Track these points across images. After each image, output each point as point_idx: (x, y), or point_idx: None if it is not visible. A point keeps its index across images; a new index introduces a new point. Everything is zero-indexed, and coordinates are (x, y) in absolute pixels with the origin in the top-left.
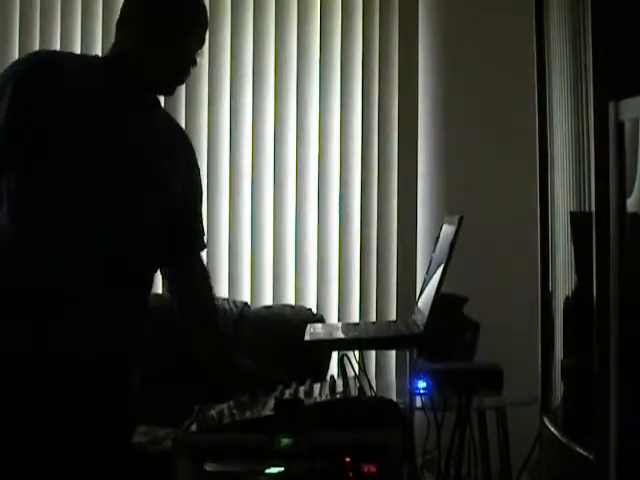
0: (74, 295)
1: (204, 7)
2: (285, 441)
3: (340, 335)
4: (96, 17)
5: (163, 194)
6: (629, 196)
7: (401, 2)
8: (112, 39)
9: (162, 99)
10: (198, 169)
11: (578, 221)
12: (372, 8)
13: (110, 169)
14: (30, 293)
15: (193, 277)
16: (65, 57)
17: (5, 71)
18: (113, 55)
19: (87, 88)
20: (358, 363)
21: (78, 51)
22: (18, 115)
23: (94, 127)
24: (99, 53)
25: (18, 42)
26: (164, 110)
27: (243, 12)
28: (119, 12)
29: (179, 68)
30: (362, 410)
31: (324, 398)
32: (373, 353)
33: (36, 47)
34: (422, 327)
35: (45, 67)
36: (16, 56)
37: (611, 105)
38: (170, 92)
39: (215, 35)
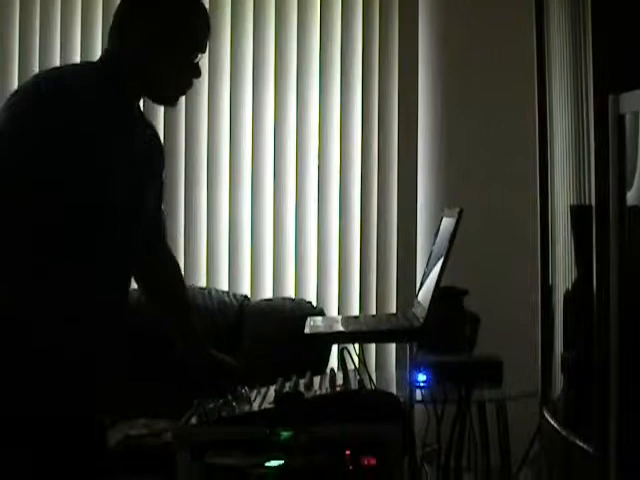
0: (104, 302)
1: (206, 14)
2: (285, 434)
3: (340, 328)
4: (96, 17)
5: (154, 196)
6: (629, 189)
7: (401, 1)
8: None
9: None
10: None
11: (578, 214)
12: (372, 8)
13: (123, 181)
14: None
15: (162, 261)
16: (67, 77)
17: (17, 100)
18: (110, 65)
19: (94, 109)
20: (358, 356)
21: (78, 49)
22: (45, 142)
23: (107, 145)
24: (99, 50)
25: (18, 42)
26: (140, 111)
27: (243, 12)
28: (113, 18)
29: (182, 80)
30: (362, 403)
31: (324, 391)
32: (373, 346)
33: (36, 47)
34: (422, 320)
35: (57, 94)
36: (16, 56)
37: (611, 98)
38: (173, 103)
39: (215, 35)
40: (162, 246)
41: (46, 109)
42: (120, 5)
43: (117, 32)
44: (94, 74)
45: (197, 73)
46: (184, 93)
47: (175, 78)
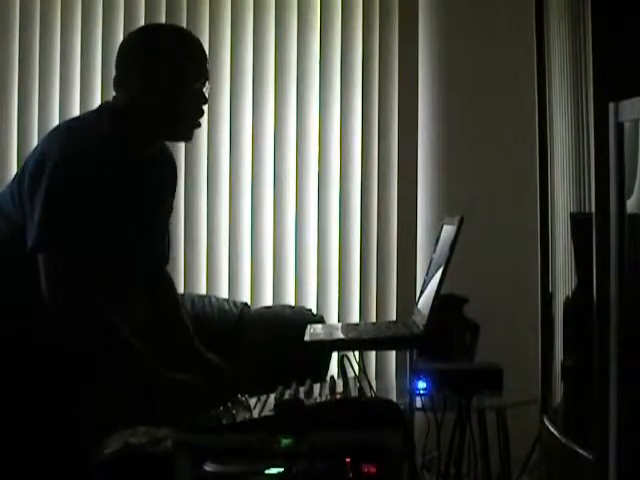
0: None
1: (198, 42)
2: (285, 441)
3: (340, 336)
4: (96, 18)
5: (162, 224)
6: (629, 197)
7: (401, 2)
8: (111, 40)
9: None
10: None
11: (578, 222)
12: (372, 8)
13: (135, 230)
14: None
15: (161, 281)
16: (82, 150)
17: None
18: (115, 117)
19: (112, 175)
20: (358, 364)
21: (78, 52)
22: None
23: (122, 203)
24: (99, 53)
25: (18, 41)
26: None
27: (243, 12)
28: (116, 70)
29: (190, 112)
30: (362, 411)
31: (324, 399)
32: (373, 354)
33: (36, 47)
34: (422, 328)
35: (79, 173)
36: (16, 56)
37: (611, 106)
38: (189, 138)
39: (215, 36)
40: (161, 273)
41: (79, 184)
42: (117, 56)
43: (117, 82)
44: (103, 133)
45: (203, 100)
46: (198, 125)
47: (181, 113)
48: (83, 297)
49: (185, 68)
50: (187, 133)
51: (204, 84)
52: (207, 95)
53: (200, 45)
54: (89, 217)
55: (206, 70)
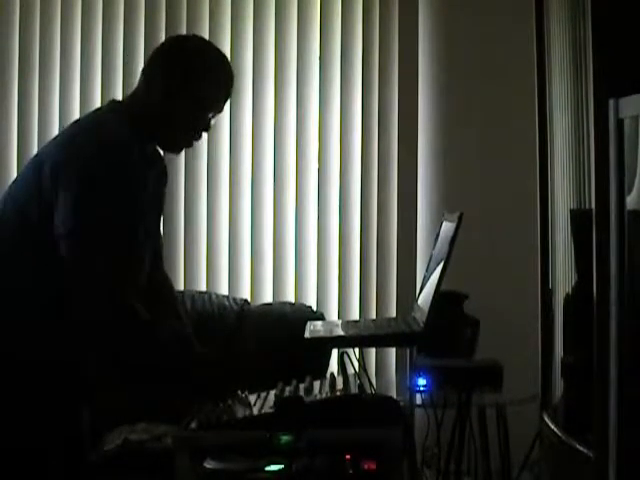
0: None
1: (231, 78)
2: (285, 438)
3: (340, 332)
4: (96, 14)
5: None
6: (629, 193)
7: (401, 3)
8: (111, 39)
9: None
10: None
11: (578, 218)
12: (372, 3)
13: (151, 224)
14: None
15: (157, 285)
16: (110, 150)
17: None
18: (133, 114)
19: (137, 175)
20: (358, 360)
21: (78, 50)
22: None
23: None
24: (99, 51)
25: (18, 41)
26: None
27: (243, 12)
28: (147, 62)
29: (193, 134)
30: (362, 407)
31: (324, 395)
32: (373, 350)
33: (36, 45)
34: (422, 324)
35: (111, 176)
36: (16, 56)
37: (611, 102)
38: (177, 153)
39: (215, 35)
40: (159, 272)
41: (112, 187)
42: (153, 53)
43: (145, 78)
44: (125, 131)
45: (207, 128)
46: (190, 146)
47: (187, 133)
48: (129, 295)
49: (212, 93)
50: (177, 149)
51: (215, 116)
52: (212, 125)
53: (231, 81)
54: (128, 214)
55: (223, 106)
